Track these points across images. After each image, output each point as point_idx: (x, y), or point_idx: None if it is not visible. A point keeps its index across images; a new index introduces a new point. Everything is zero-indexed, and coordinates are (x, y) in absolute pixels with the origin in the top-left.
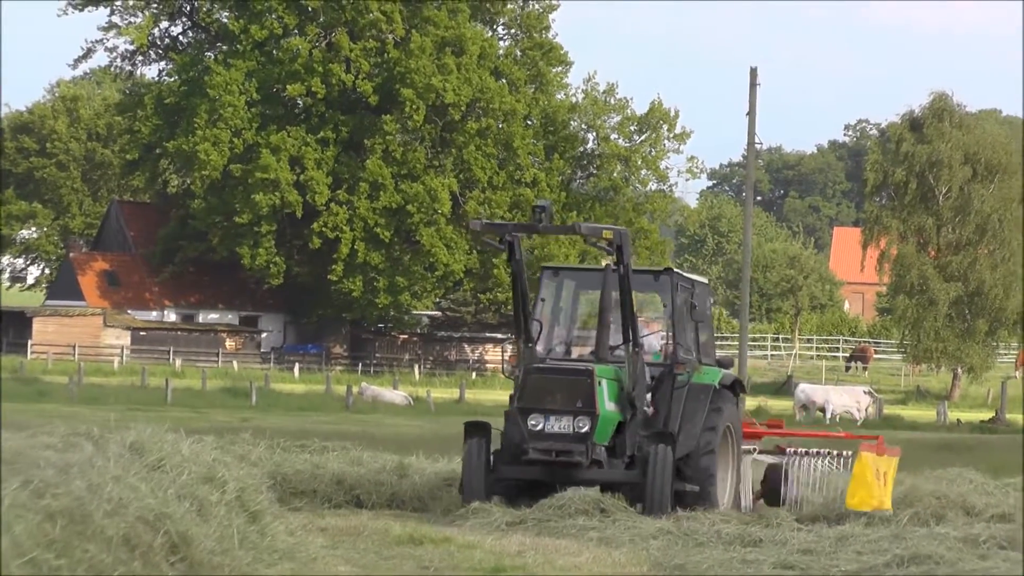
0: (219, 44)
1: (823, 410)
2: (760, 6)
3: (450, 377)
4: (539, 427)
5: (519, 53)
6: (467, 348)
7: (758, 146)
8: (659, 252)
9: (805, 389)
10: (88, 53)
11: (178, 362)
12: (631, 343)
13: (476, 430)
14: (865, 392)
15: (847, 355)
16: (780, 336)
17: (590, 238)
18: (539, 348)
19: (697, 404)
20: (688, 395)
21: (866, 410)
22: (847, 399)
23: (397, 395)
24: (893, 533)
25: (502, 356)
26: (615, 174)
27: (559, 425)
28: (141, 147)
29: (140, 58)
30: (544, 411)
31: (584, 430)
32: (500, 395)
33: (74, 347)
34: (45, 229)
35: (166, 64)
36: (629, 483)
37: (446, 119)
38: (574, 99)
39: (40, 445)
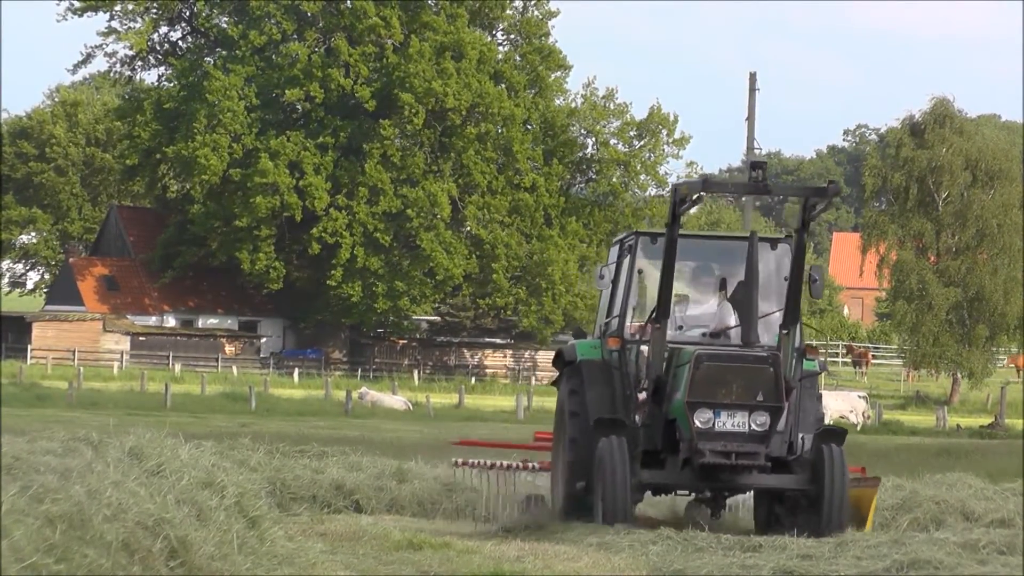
0: (218, 49)
1: None
2: (759, 11)
3: (449, 382)
4: (709, 424)
5: (518, 58)
6: (466, 353)
7: (757, 151)
8: None
9: None
10: (87, 58)
11: (177, 367)
12: (796, 325)
13: (612, 427)
14: (859, 397)
15: (845, 351)
16: None
17: (810, 199)
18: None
19: (804, 392)
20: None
21: (863, 415)
22: (842, 404)
23: (396, 400)
24: (892, 538)
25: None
26: (614, 179)
27: (731, 422)
28: (140, 152)
29: (139, 63)
30: (715, 405)
31: (763, 428)
32: (499, 400)
33: (73, 352)
34: (44, 234)
35: (165, 69)
36: (801, 490)
37: (445, 124)
38: (573, 104)
39: (39, 450)
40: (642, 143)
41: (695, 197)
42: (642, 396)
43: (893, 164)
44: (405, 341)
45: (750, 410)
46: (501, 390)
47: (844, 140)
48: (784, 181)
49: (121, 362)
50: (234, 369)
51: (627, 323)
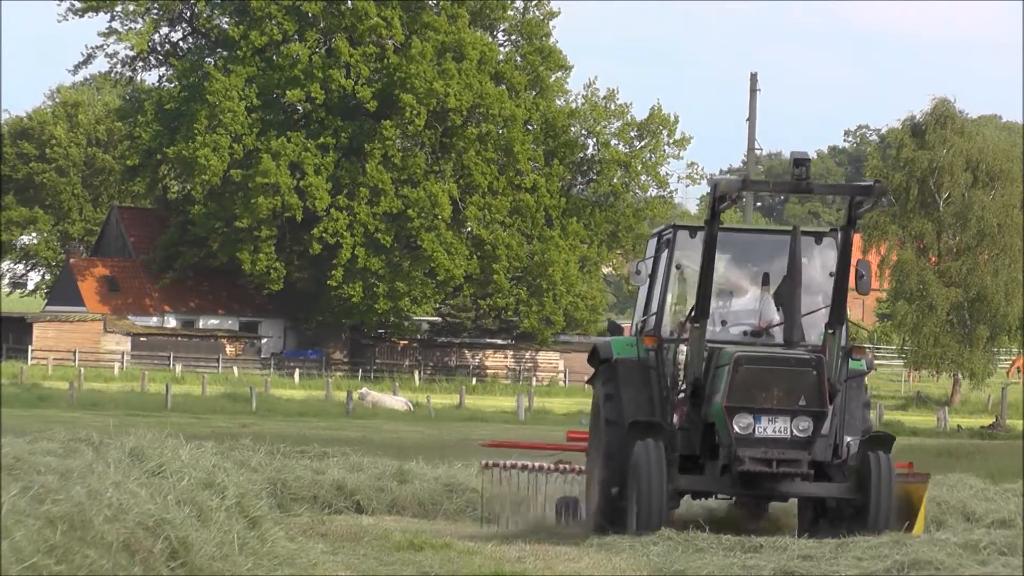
0: (219, 50)
1: None
2: (759, 12)
3: (450, 383)
4: (748, 430)
5: (519, 58)
6: (467, 354)
7: (758, 151)
8: None
9: None
10: (88, 59)
11: (178, 368)
12: (842, 324)
13: (648, 430)
14: None
15: None
16: None
17: (856, 196)
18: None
19: (850, 394)
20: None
21: None
22: None
23: (397, 401)
24: (893, 539)
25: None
26: (615, 180)
27: (772, 428)
28: (141, 153)
29: (140, 64)
30: (756, 410)
31: (806, 434)
32: (500, 401)
33: (74, 353)
34: (45, 235)
35: (166, 70)
36: (846, 499)
37: (446, 124)
38: (574, 104)
39: (40, 451)
40: (643, 144)
41: (734, 196)
42: (680, 397)
43: (894, 165)
44: (406, 342)
45: (792, 415)
46: (502, 391)
47: (845, 141)
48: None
49: (122, 363)
50: (235, 370)
51: (664, 320)
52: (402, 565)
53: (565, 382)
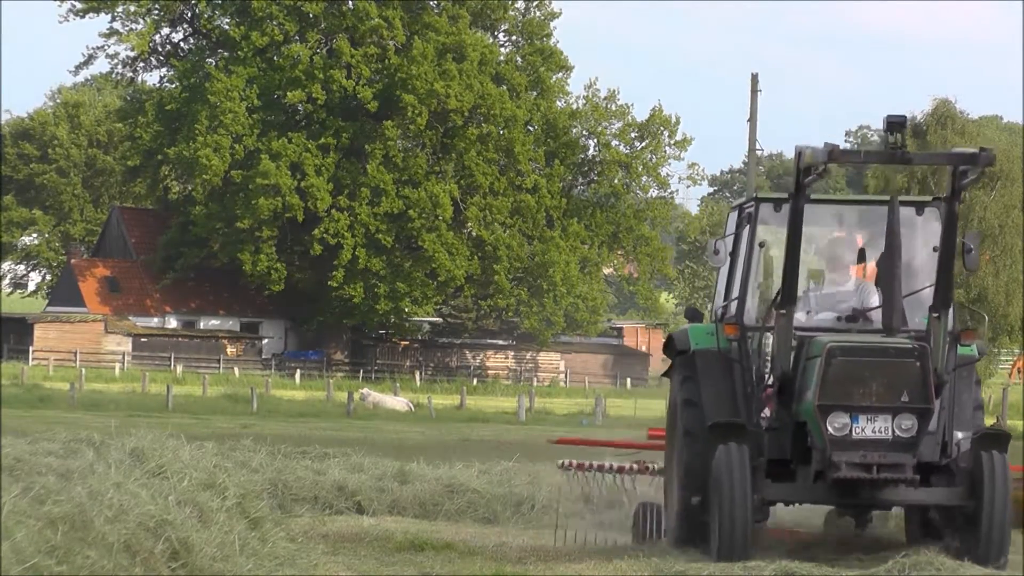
0: (220, 51)
1: None
2: (760, 13)
3: (451, 383)
4: (845, 431)
5: (520, 59)
6: (468, 354)
7: (759, 152)
8: (660, 259)
9: None
10: (89, 59)
11: (179, 368)
12: (948, 306)
13: (731, 432)
14: None
15: None
16: None
17: (960, 166)
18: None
19: (959, 383)
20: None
21: None
22: None
23: (398, 401)
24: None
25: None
26: (616, 180)
27: (871, 428)
28: (142, 153)
29: (141, 64)
30: (852, 408)
31: (910, 433)
32: (501, 401)
33: (75, 353)
34: (46, 235)
35: (167, 70)
36: (955, 506)
37: (447, 125)
38: (575, 105)
39: (41, 451)
40: (644, 144)
41: (821, 168)
42: (767, 394)
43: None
44: (407, 342)
45: (894, 413)
46: (503, 391)
47: (846, 141)
48: (787, 182)
49: (123, 363)
50: (236, 370)
51: (747, 306)
52: (403, 566)
53: (566, 383)
